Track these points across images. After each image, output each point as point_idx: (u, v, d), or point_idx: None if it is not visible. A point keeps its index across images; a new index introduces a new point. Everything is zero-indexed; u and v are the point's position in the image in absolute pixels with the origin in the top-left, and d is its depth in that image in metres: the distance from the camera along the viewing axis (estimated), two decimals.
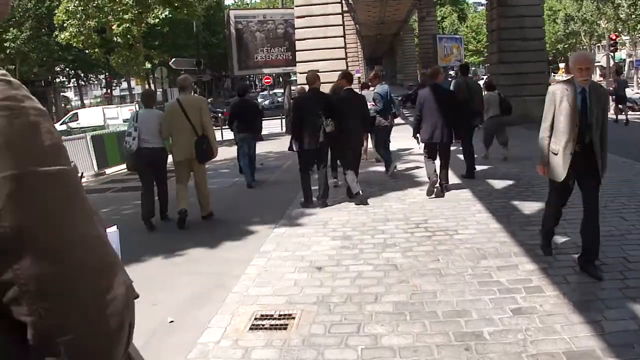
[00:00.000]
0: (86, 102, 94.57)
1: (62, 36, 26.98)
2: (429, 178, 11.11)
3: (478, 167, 13.54)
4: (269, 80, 46.26)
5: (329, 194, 11.10)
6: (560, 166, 6.46)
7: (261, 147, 18.48)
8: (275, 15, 33.51)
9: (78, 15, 25.14)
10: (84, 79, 76.66)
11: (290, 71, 32.89)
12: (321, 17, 26.75)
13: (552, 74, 74.77)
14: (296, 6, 27.63)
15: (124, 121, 34.96)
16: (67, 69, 69.26)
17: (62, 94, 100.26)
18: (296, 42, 27.53)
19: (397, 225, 9.04)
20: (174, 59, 29.55)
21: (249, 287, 6.69)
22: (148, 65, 28.06)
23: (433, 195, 10.89)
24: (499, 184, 12.03)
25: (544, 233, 7.37)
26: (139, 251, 8.44)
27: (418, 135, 11.26)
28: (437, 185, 11.05)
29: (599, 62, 70.29)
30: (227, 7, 54.67)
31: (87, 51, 31.01)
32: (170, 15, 27.10)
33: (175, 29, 53.71)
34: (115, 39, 26.51)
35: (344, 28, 27.89)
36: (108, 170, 19.79)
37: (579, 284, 6.19)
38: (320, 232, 8.97)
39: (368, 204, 10.72)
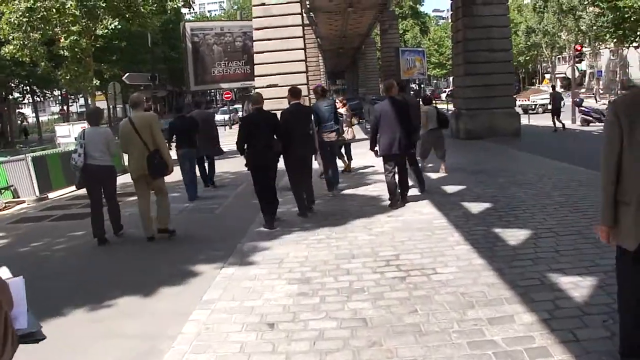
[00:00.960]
0: (44, 118, 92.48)
1: (7, 49, 25.29)
2: (389, 190, 11.44)
3: (451, 189, 12.78)
4: (229, 95, 45.00)
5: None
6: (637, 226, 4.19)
7: (219, 166, 17.50)
8: (233, 27, 32.37)
9: (23, 28, 23.61)
10: (40, 95, 74.08)
11: (249, 86, 31.73)
12: (281, 28, 25.75)
13: (516, 85, 74.86)
14: (254, 18, 26.55)
15: (75, 139, 33.33)
16: (22, 85, 67.05)
17: (18, 110, 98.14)
18: (254, 55, 26.34)
19: (365, 262, 7.76)
20: (127, 74, 28.17)
21: (184, 353, 5.36)
22: (96, 82, 26.26)
23: (396, 207, 11.21)
24: (475, 207, 10.86)
25: (623, 335, 4.53)
26: (57, 300, 7.07)
27: (376, 148, 11.43)
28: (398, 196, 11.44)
29: (563, 73, 70.21)
30: (185, 20, 53.26)
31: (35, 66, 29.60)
32: (120, 27, 25.49)
33: (133, 43, 52.05)
34: (62, 52, 24.93)
35: (304, 40, 26.71)
36: (51, 194, 18.22)
37: (592, 341, 4.99)
38: (274, 272, 7.65)
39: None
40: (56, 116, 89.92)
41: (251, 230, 10.30)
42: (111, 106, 32.39)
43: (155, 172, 9.99)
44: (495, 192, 12.38)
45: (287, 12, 25.98)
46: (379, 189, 13.39)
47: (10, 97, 76.02)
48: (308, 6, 51.13)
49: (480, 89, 26.22)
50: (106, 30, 24.45)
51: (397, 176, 11.42)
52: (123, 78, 27.57)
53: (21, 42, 24.25)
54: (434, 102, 16.81)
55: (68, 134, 38.06)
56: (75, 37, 24.14)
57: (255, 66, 26.33)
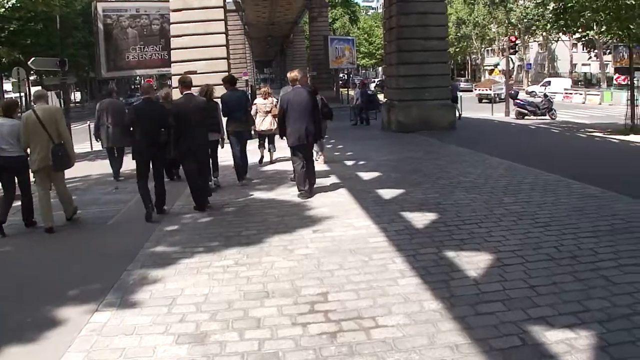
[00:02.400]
0: None
1: None
2: (297, 182, 11.61)
3: (387, 193, 11.17)
4: (151, 82, 42.44)
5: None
6: None
7: (125, 164, 15.29)
8: (150, 9, 29.71)
9: None
10: None
11: (167, 72, 29.34)
12: (200, 10, 23.51)
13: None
14: None
15: None
16: None
17: None
18: (171, 39, 24.05)
19: (282, 307, 5.78)
20: (33, 59, 25.31)
21: None
22: None
23: (306, 198, 11.16)
24: (418, 219, 9.03)
25: None
26: None
27: (284, 137, 11.50)
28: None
29: (495, 65, 69.87)
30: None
31: None
32: (18, 5, 22.66)
33: (50, 27, 48.74)
34: None
35: (226, 24, 24.57)
36: None
37: None
38: (160, 323, 5.60)
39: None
40: None
41: (145, 250, 8.25)
42: (22, 94, 29.57)
43: (59, 165, 10.03)
44: (439, 197, 10.62)
45: None
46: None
47: None
48: None
49: (414, 79, 24.55)
50: (2, 9, 21.51)
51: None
52: (29, 63, 24.72)
53: None
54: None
55: None
56: None
57: (172, 51, 24.02)
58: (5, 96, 48.84)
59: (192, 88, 11.37)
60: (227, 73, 21.73)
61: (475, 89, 58.20)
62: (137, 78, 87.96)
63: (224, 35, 24.06)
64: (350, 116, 30.63)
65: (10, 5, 21.46)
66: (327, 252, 7.56)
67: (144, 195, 10.32)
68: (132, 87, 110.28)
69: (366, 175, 13.44)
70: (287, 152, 12.61)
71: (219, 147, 13.13)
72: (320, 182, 12.38)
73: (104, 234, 9.73)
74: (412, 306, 5.61)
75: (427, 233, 8.24)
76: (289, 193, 11.79)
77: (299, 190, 11.40)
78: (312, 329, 5.23)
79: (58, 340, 5.41)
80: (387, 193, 11.13)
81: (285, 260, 7.31)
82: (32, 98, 11.70)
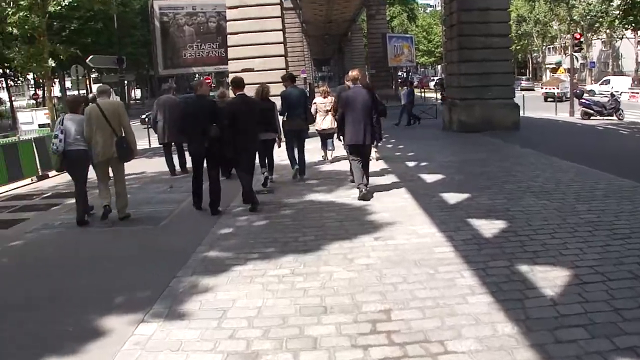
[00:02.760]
0: (22, 103, 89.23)
1: None
2: (357, 182, 11.16)
3: (452, 197, 10.65)
4: (209, 81, 42.40)
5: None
6: None
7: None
8: (207, 6, 29.62)
9: None
10: (14, 78, 71.01)
11: (224, 70, 29.15)
12: (257, 7, 23.26)
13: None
14: None
15: (39, 126, 31.11)
16: None
17: None
18: (228, 36, 23.82)
19: (341, 325, 5.29)
20: (91, 56, 25.53)
21: None
22: (50, 63, 23.41)
23: (367, 202, 10.68)
24: (486, 227, 8.44)
25: None
26: None
27: (342, 136, 11.37)
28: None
29: (557, 63, 68.13)
30: None
31: None
32: (75, 4, 22.63)
33: (110, 26, 49.26)
34: (11, 30, 22.14)
35: (283, 21, 24.22)
36: None
37: None
38: (209, 338, 5.18)
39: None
40: (32, 101, 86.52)
41: (197, 255, 7.88)
42: (82, 91, 29.79)
43: (123, 156, 10.35)
44: (507, 203, 9.99)
45: None
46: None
47: None
48: None
49: (476, 77, 23.81)
50: (59, 7, 21.47)
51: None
52: (87, 60, 24.91)
53: None
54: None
55: (31, 121, 35.72)
56: (25, 13, 21.39)
57: (228, 49, 23.80)
58: (68, 93, 49.56)
59: (250, 86, 11.62)
60: (284, 71, 21.49)
61: (542, 88, 56.82)
62: (196, 76, 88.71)
63: (281, 32, 23.74)
64: (401, 118, 29.24)
65: (67, 3, 21.37)
66: (390, 262, 7.05)
67: (194, 191, 10.81)
68: (191, 84, 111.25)
69: (429, 177, 12.89)
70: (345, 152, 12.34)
71: (276, 146, 13.05)
72: (381, 183, 12.01)
73: (155, 236, 9.42)
74: (484, 329, 5.06)
75: (497, 243, 7.64)
76: (349, 195, 11.32)
77: (357, 188, 11.09)
78: (374, 352, 4.73)
79: (99, 354, 5.06)
80: (452, 197, 10.55)
81: (345, 271, 6.83)
82: (95, 93, 11.89)
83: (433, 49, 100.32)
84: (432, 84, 73.06)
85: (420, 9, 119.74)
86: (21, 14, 21.41)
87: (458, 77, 24.74)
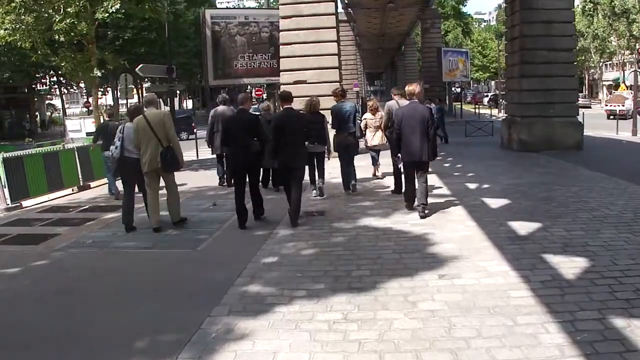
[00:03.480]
0: (76, 110, 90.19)
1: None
2: (409, 199, 11.08)
3: (521, 226, 9.56)
4: (260, 92, 41.87)
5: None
6: None
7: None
8: (259, 16, 29.08)
9: (15, 10, 20.40)
10: (67, 85, 71.69)
11: (276, 82, 28.40)
12: (311, 17, 22.51)
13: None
14: (281, 5, 23.31)
15: (87, 134, 30.93)
16: (47, 75, 64.54)
17: (48, 101, 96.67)
18: (280, 47, 23.07)
19: None
20: (141, 65, 24.90)
21: None
22: (97, 72, 22.85)
23: (423, 216, 10.49)
24: (566, 266, 7.35)
25: None
26: None
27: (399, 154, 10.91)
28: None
29: (615, 80, 66.20)
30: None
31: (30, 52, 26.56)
32: (122, 11, 22.03)
33: (163, 36, 49.11)
34: (57, 37, 21.64)
35: (337, 32, 23.37)
36: (28, 202, 15.39)
37: None
38: None
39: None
40: (84, 109, 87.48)
41: (235, 289, 7.00)
42: (130, 100, 29.51)
43: (168, 167, 10.46)
44: (585, 236, 8.87)
45: None
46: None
47: (37, 87, 74.16)
48: (346, 2, 47.95)
49: (539, 94, 22.62)
50: (107, 14, 20.89)
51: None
52: (137, 70, 24.26)
53: (13, 26, 20.97)
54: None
55: (79, 129, 35.63)
56: (73, 20, 20.85)
57: (281, 60, 23.04)
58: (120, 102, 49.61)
59: (302, 99, 11.93)
60: (338, 83, 20.68)
61: (606, 105, 54.99)
62: (248, 87, 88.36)
63: (336, 43, 22.91)
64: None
65: (115, 10, 20.84)
66: (459, 308, 6.04)
67: (238, 207, 10.52)
68: (237, 97, 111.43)
69: (493, 202, 11.83)
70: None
71: (325, 159, 13.12)
72: (441, 207, 11.14)
73: (191, 262, 8.58)
74: None
75: (581, 287, 6.56)
76: (406, 221, 10.34)
77: (407, 208, 11.11)
78: None
79: None
80: (522, 227, 9.48)
81: (407, 318, 5.84)
82: (143, 103, 12.10)
83: (488, 64, 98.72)
84: (485, 100, 71.72)
85: (475, 23, 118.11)
86: (68, 20, 20.91)
87: (519, 93, 23.56)
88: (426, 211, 10.50)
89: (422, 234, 9.38)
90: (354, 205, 11.98)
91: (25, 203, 15.19)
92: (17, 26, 21.00)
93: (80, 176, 17.59)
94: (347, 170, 13.34)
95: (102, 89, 67.55)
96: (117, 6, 21.00)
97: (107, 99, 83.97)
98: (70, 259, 9.06)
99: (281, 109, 11.41)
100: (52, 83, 72.61)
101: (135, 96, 58.95)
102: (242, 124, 10.59)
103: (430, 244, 8.77)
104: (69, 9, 20.80)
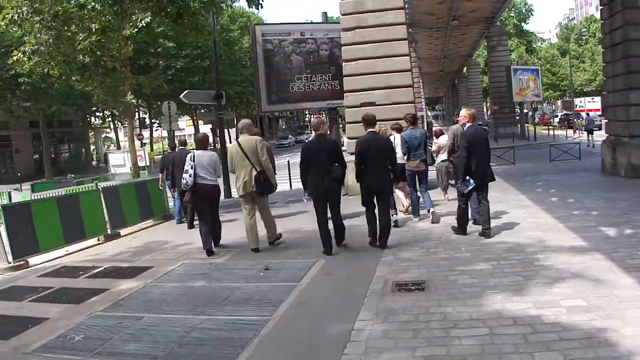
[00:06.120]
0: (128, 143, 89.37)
1: (13, 58, 19.33)
2: (463, 222, 11.16)
3: None
4: (320, 118, 38.92)
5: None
6: None
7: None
8: (317, 31, 25.82)
9: (32, 28, 17.60)
10: (119, 117, 70.53)
11: (338, 105, 25.22)
12: (379, 28, 19.52)
13: None
14: (342, 15, 20.14)
15: (131, 169, 28.46)
16: (101, 107, 63.18)
17: (105, 134, 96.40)
18: (343, 64, 19.94)
19: None
20: (186, 92, 22.18)
21: None
22: (130, 98, 19.81)
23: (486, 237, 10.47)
24: None
25: None
26: None
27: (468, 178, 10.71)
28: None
29: None
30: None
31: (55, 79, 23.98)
32: (153, 24, 19.08)
33: (221, 63, 46.93)
34: (82, 57, 18.62)
35: (409, 45, 20.10)
36: (35, 259, 12.48)
37: None
38: None
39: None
40: (137, 142, 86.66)
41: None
42: (166, 129, 26.80)
43: (262, 190, 11.08)
44: None
45: (386, 7, 19.50)
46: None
47: (91, 120, 73.33)
48: (407, 21, 45.10)
49: None
50: (135, 30, 17.86)
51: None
52: (181, 96, 21.54)
53: (32, 48, 18.15)
54: None
55: (122, 163, 33.15)
56: (98, 37, 17.94)
57: (344, 79, 19.90)
58: (174, 134, 47.65)
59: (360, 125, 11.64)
60: (412, 105, 17.57)
61: None
62: (306, 113, 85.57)
63: (408, 58, 19.63)
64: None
65: (144, 24, 17.92)
66: None
67: (323, 235, 10.48)
68: (302, 124, 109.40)
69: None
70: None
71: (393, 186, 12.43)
72: (591, 270, 7.85)
73: (290, 302, 6.76)
74: None
75: None
76: (557, 301, 6.71)
77: (483, 227, 10.87)
78: None
79: None
80: None
81: None
82: (237, 128, 12.24)
83: (557, 82, 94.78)
84: (556, 120, 67.60)
85: (538, 40, 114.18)
86: (93, 38, 18.02)
87: (626, 108, 19.75)
88: (488, 231, 10.64)
89: (595, 332, 5.72)
90: (463, 270, 8.48)
91: (32, 260, 12.37)
92: (36, 47, 18.16)
93: (108, 224, 14.70)
94: (422, 194, 13.50)
95: (154, 122, 66.01)
96: (148, 19, 17.99)
97: (161, 132, 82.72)
98: None
99: (365, 132, 10.99)
100: (107, 115, 71.52)
101: (181, 124, 57.10)
102: (322, 149, 10.52)
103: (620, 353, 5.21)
104: (94, 25, 17.97)
